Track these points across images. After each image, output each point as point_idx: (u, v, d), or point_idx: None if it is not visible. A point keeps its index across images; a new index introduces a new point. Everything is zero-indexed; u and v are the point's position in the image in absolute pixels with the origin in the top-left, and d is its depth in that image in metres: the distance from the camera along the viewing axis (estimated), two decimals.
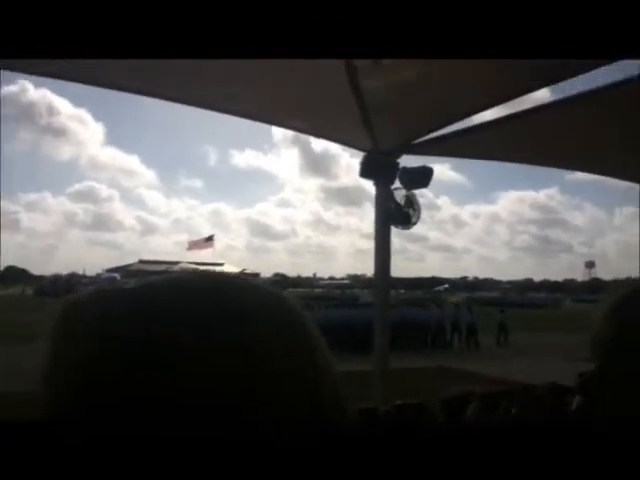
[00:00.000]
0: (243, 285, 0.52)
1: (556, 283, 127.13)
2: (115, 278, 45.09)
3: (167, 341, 0.45)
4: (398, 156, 4.73)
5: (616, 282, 0.84)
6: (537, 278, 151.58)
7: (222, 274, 0.54)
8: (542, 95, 3.98)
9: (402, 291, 64.32)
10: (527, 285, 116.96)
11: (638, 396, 0.68)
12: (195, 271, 0.54)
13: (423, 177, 4.73)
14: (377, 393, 4.73)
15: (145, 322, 0.46)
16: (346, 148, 4.85)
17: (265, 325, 0.49)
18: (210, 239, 28.50)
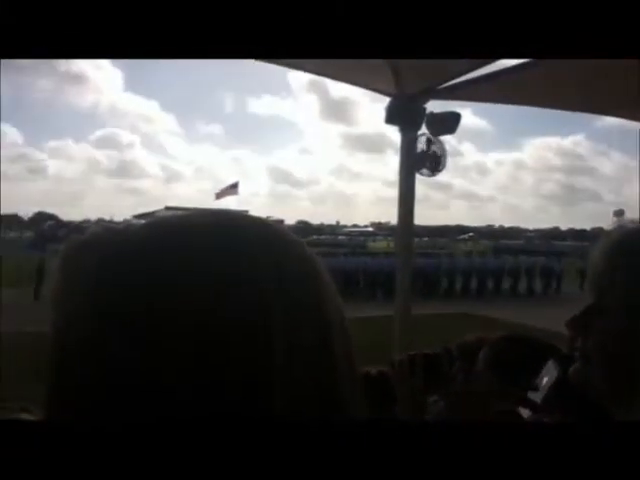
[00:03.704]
0: (252, 225, 0.50)
1: (583, 231, 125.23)
2: None
3: (171, 282, 0.44)
4: (425, 101, 4.69)
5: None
6: (563, 227, 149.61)
7: (231, 212, 0.52)
8: None
9: (425, 239, 64.00)
10: (553, 234, 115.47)
11: (629, 329, 0.75)
12: (202, 210, 0.52)
13: (451, 122, 4.66)
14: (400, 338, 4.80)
15: (148, 263, 0.45)
16: (366, 94, 4.76)
17: (275, 268, 0.47)
18: (235, 186, 28.53)
